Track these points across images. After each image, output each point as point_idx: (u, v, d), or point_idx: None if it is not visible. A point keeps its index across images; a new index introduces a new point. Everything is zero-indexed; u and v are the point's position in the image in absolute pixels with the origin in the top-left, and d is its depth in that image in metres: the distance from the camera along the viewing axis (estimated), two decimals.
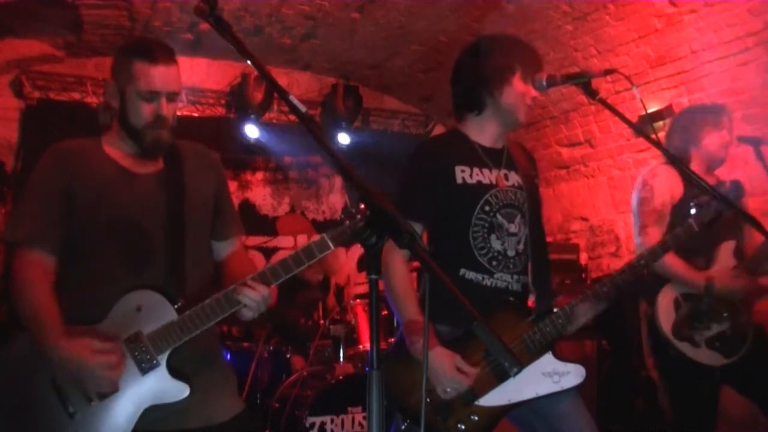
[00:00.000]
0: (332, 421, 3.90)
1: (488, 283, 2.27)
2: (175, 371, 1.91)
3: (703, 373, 2.79)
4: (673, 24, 4.27)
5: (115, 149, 2.08)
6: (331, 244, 1.86)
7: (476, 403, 2.16)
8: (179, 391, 1.90)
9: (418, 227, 2.26)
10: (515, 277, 2.32)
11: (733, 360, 2.77)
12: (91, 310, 1.92)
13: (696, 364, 2.77)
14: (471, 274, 2.27)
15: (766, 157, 3.49)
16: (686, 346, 2.77)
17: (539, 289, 2.33)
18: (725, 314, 2.78)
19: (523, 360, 2.17)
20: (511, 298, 2.29)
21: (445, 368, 2.09)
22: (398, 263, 2.23)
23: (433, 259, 2.30)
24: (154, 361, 1.88)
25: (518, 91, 2.31)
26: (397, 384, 2.15)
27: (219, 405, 2.04)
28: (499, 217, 2.30)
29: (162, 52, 1.98)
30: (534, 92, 2.32)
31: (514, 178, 2.38)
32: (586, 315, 2.26)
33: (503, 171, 2.37)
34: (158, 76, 1.97)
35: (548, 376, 2.22)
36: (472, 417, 2.15)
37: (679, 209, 2.88)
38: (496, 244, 2.29)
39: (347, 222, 1.83)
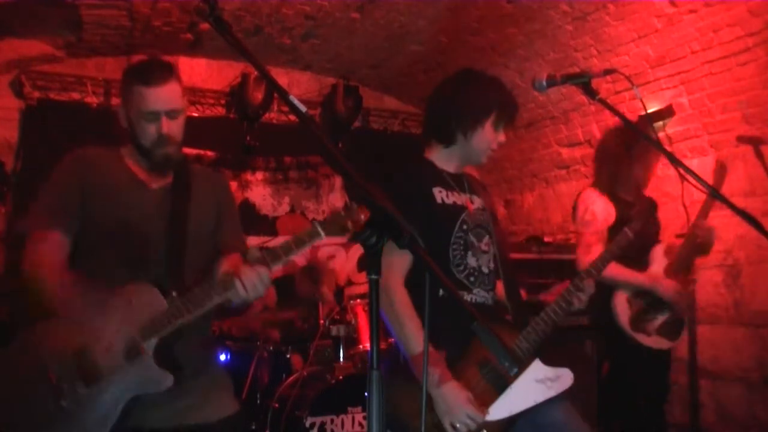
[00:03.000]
0: (332, 421, 3.90)
1: (468, 299, 2.30)
2: (162, 360, 1.91)
3: (654, 358, 3.35)
4: (673, 24, 4.27)
5: (133, 162, 2.17)
6: (321, 232, 1.87)
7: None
8: (163, 379, 1.90)
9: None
10: (490, 293, 2.40)
11: (676, 342, 3.36)
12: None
13: (651, 349, 3.30)
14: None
15: (766, 157, 3.49)
16: (642, 336, 3.29)
17: (513, 303, 2.42)
18: (666, 305, 3.31)
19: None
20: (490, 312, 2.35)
21: (460, 404, 2.06)
22: (400, 287, 2.20)
23: (411, 279, 2.28)
24: (141, 348, 1.89)
25: (487, 137, 2.39)
26: (402, 406, 2.07)
27: (217, 404, 2.09)
28: (471, 236, 2.37)
29: (156, 73, 2.04)
30: (501, 138, 2.41)
31: (478, 202, 2.49)
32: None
33: (467, 195, 2.47)
34: (153, 97, 2.03)
35: (541, 383, 2.25)
36: None
37: (614, 231, 3.24)
38: (472, 261, 2.35)
39: (340, 211, 1.84)
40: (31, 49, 5.36)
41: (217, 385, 2.15)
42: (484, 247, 2.39)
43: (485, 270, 2.38)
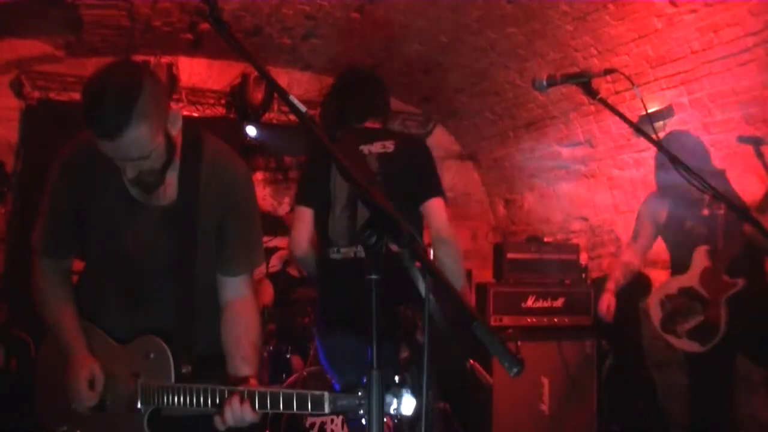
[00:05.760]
0: (332, 421, 3.90)
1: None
2: (153, 427, 1.86)
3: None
4: (673, 24, 4.27)
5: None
6: (326, 408, 1.57)
7: None
8: None
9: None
10: None
11: (707, 348, 3.24)
12: (102, 323, 1.99)
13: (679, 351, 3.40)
14: None
15: (767, 157, 3.49)
16: (671, 337, 3.37)
17: None
18: (698, 309, 3.28)
19: None
20: None
21: None
22: None
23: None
24: (138, 406, 1.85)
25: None
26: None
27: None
28: None
29: (109, 122, 1.62)
30: None
31: None
32: None
33: None
34: (110, 149, 1.69)
35: None
36: None
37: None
38: None
39: (359, 394, 1.50)
40: (31, 49, 5.36)
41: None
42: None
43: None
